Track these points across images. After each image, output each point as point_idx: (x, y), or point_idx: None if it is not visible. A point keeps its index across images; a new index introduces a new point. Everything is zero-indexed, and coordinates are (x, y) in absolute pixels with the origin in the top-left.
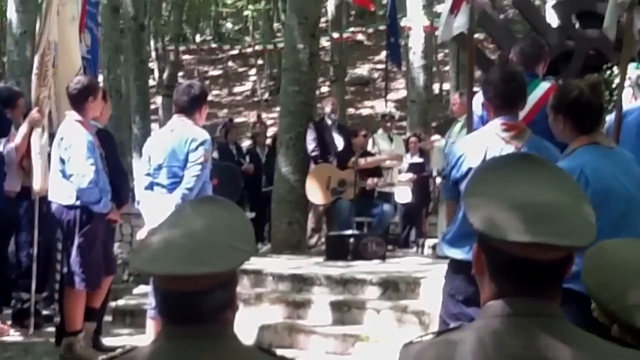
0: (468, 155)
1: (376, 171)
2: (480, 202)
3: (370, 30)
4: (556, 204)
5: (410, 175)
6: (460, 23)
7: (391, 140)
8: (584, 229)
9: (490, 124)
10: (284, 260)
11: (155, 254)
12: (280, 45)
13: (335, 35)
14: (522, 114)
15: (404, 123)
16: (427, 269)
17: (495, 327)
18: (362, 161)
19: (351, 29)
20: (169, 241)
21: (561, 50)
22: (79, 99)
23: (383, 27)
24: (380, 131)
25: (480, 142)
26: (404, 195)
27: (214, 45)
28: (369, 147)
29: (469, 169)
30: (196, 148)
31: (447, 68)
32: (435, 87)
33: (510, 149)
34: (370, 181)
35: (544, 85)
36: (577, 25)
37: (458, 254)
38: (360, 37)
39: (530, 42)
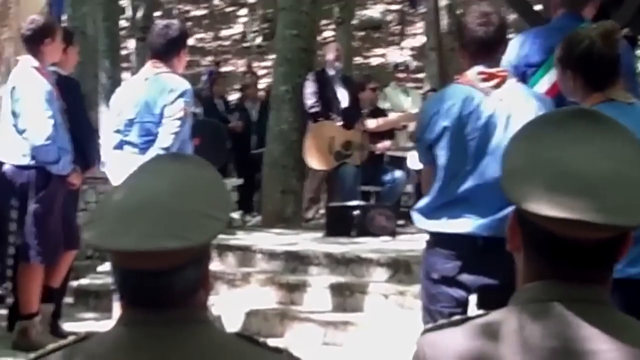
0: (441, 112)
1: (387, 132)
2: (517, 167)
3: None
4: (610, 174)
5: None
6: None
7: (407, 95)
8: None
9: (465, 75)
10: (276, 235)
11: (112, 225)
12: None
13: None
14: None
15: (422, 75)
16: None
17: (532, 314)
18: (371, 124)
19: None
20: (128, 209)
21: None
22: (34, 41)
23: None
24: (392, 84)
25: (455, 96)
26: (417, 160)
27: None
28: (380, 104)
29: (444, 129)
30: (174, 100)
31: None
32: None
33: (491, 101)
34: (381, 145)
35: None
36: None
37: (432, 225)
38: None
39: None
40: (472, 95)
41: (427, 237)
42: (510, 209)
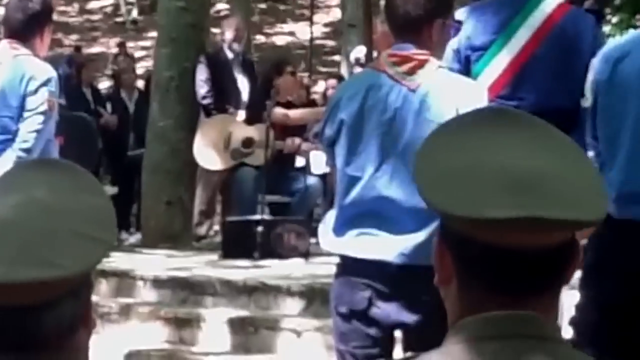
0: (342, 103)
1: (303, 130)
2: (436, 175)
3: None
4: (549, 169)
5: None
6: None
7: None
8: (589, 199)
9: (378, 58)
10: (161, 257)
11: None
12: None
13: None
14: (516, 45)
15: (337, 57)
16: None
17: (468, 356)
18: (281, 113)
19: None
20: None
21: None
22: None
23: None
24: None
25: (360, 83)
26: (319, 163)
27: None
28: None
29: (341, 122)
30: (36, 90)
31: None
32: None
33: (399, 90)
34: (290, 141)
35: (550, 2)
36: None
37: (339, 245)
38: None
39: None
40: (380, 83)
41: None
42: (429, 228)
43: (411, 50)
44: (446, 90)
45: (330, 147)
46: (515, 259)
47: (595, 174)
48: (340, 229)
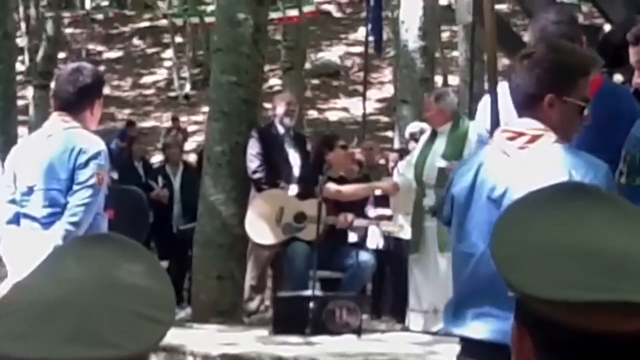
0: (455, 180)
1: (355, 205)
2: (518, 252)
3: None
4: (634, 251)
5: (385, 210)
6: None
7: None
8: None
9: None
10: (211, 332)
11: (18, 326)
12: (210, 18)
13: (292, 12)
14: None
15: (389, 133)
16: (429, 351)
17: None
18: (334, 188)
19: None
20: (42, 306)
21: (629, 30)
22: None
23: None
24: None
25: (475, 159)
26: (375, 238)
27: (112, 15)
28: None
29: (453, 198)
30: (86, 163)
31: (455, 53)
32: (438, 80)
33: (514, 165)
34: (342, 217)
35: None
36: None
37: (456, 326)
38: (327, 6)
39: (555, 16)
40: (492, 159)
41: (420, 338)
42: None
43: (525, 125)
44: (556, 164)
45: (447, 225)
46: (602, 345)
47: None
48: (457, 307)
